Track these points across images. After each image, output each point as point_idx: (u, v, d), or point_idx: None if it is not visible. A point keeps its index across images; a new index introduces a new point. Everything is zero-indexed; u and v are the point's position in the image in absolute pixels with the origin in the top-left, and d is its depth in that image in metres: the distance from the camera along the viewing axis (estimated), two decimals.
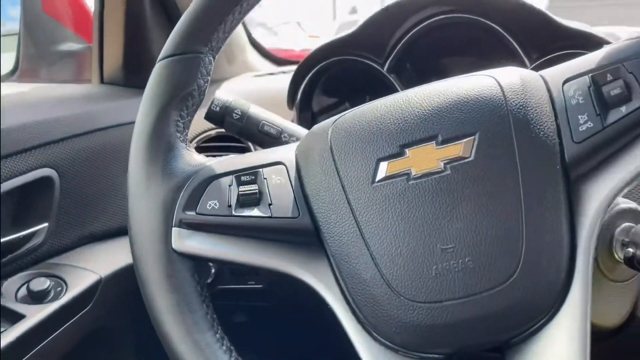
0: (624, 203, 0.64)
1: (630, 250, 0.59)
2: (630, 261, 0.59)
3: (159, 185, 0.52)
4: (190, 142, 1.01)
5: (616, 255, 0.62)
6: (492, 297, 0.44)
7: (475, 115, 0.47)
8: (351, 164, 0.49)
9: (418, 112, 0.48)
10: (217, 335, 0.50)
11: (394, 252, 0.46)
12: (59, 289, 0.87)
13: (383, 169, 0.48)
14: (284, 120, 0.69)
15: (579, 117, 0.46)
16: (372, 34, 0.86)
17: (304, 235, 0.50)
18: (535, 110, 0.47)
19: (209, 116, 0.66)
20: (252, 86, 1.20)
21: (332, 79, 0.97)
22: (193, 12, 0.54)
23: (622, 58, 0.46)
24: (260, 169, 0.52)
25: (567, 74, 0.48)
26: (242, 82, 1.22)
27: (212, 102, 0.66)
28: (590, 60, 0.48)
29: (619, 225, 0.63)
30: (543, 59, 0.84)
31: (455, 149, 0.47)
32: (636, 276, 0.65)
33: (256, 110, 0.67)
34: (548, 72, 0.50)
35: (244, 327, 1.09)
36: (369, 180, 0.48)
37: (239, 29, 1.32)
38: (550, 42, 0.83)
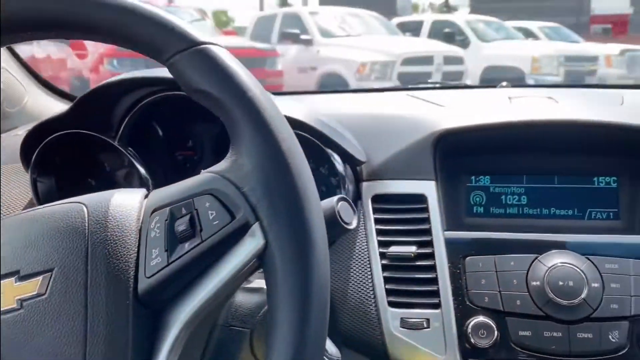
0: None
1: None
2: None
3: None
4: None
5: None
6: None
7: (56, 249, 0.47)
8: None
9: (5, 244, 0.48)
10: None
11: None
12: None
13: None
14: None
15: (153, 251, 0.47)
16: (86, 114, 0.85)
17: None
18: (116, 243, 0.47)
19: None
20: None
21: (74, 148, 0.95)
22: None
23: (194, 193, 0.47)
24: None
25: (157, 203, 0.48)
26: (8, 139, 1.15)
27: None
28: (176, 190, 0.48)
29: None
30: None
31: (32, 286, 0.46)
32: None
33: None
34: (150, 197, 0.50)
35: None
36: None
37: (8, 78, 1.25)
38: None
